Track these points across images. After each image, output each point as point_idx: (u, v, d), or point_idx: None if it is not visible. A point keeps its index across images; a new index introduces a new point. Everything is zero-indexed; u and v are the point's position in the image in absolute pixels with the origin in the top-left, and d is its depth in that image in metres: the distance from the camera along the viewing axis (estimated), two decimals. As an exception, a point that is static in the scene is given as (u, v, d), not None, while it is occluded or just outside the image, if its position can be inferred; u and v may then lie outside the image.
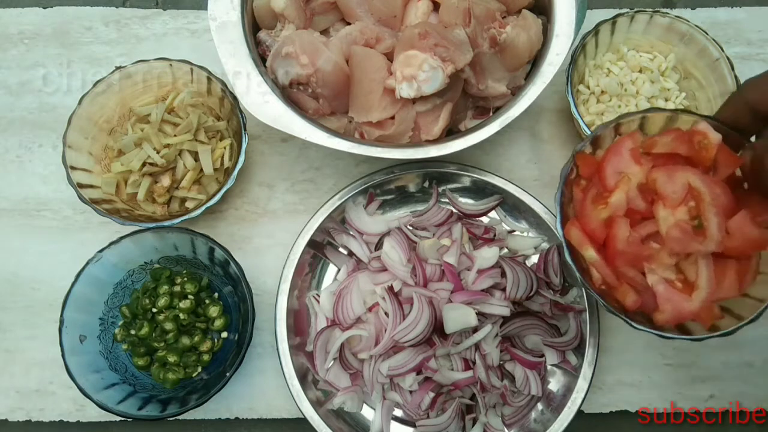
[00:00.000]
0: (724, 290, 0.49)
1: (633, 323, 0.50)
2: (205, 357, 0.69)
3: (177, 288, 0.70)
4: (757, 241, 0.47)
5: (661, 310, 0.49)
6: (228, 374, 0.62)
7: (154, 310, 0.69)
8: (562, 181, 0.53)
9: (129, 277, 0.71)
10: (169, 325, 0.68)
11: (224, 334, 0.70)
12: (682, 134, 0.51)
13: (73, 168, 0.69)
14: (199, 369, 0.69)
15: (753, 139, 0.51)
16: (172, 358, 0.68)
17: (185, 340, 0.69)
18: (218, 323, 0.69)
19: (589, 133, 0.69)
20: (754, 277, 0.50)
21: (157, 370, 0.68)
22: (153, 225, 0.68)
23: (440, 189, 0.74)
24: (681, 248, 0.48)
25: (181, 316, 0.69)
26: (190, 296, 0.70)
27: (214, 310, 0.70)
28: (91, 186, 0.70)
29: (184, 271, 0.72)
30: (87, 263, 0.66)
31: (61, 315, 0.64)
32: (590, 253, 0.51)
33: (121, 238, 0.66)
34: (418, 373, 0.65)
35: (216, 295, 0.72)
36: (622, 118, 0.53)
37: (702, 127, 0.50)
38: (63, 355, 0.63)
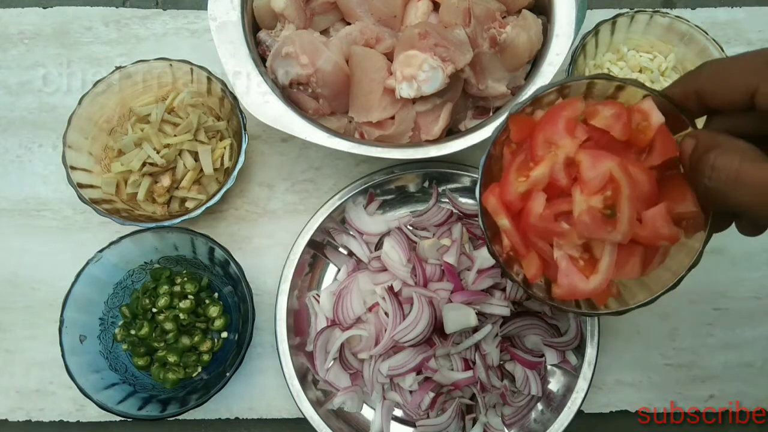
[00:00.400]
0: (625, 273, 0.48)
1: (527, 291, 0.51)
2: (205, 357, 0.69)
3: (177, 288, 0.70)
4: (666, 237, 0.46)
5: (559, 285, 0.48)
6: (228, 374, 0.62)
7: (154, 310, 0.69)
8: (491, 143, 0.51)
9: (129, 277, 0.71)
10: (169, 325, 0.68)
11: (224, 334, 0.70)
12: (622, 111, 0.48)
13: (73, 168, 0.69)
14: (199, 369, 0.69)
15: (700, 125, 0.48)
16: (172, 358, 0.68)
17: (185, 340, 0.69)
18: (218, 323, 0.69)
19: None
20: (660, 263, 0.49)
21: (157, 370, 0.68)
22: (153, 225, 0.68)
23: (440, 189, 0.74)
24: (588, 234, 0.47)
25: (181, 316, 0.69)
26: (190, 296, 0.70)
27: (214, 310, 0.70)
28: (91, 186, 0.70)
29: (184, 271, 0.72)
30: (87, 263, 0.66)
31: (61, 315, 0.64)
32: (504, 222, 0.50)
33: (121, 238, 0.66)
34: (418, 373, 0.65)
35: (216, 295, 0.72)
36: (568, 80, 0.51)
37: (646, 105, 0.47)
38: (63, 355, 0.63)
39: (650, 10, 0.74)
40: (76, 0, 0.86)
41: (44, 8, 0.86)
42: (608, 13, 0.76)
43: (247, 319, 0.64)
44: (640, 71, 0.75)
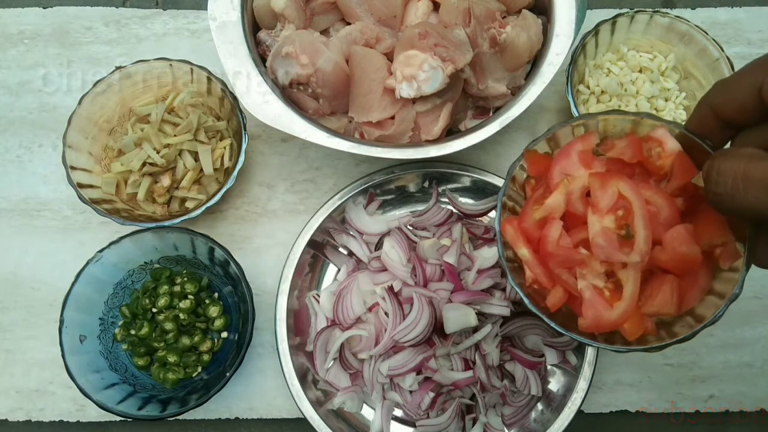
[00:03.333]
0: (657, 305, 0.47)
1: (552, 324, 0.49)
2: (205, 357, 0.69)
3: (177, 288, 0.70)
4: (687, 257, 0.45)
5: (584, 317, 0.47)
6: (228, 374, 0.62)
7: (154, 310, 0.69)
8: (507, 178, 0.52)
9: (129, 277, 0.71)
10: (169, 325, 0.68)
11: (224, 334, 0.70)
12: (635, 141, 0.49)
13: (73, 168, 0.69)
14: (199, 369, 0.69)
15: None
16: (172, 358, 0.68)
17: (185, 340, 0.69)
18: (218, 323, 0.69)
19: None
20: (701, 295, 0.47)
21: (157, 370, 0.68)
22: (153, 225, 0.68)
23: (440, 189, 0.74)
24: (606, 257, 0.46)
25: (181, 316, 0.69)
26: (190, 296, 0.70)
27: (214, 310, 0.70)
28: (91, 186, 0.70)
29: (184, 271, 0.72)
30: (87, 263, 0.66)
31: (61, 315, 0.64)
32: (524, 251, 0.50)
33: (121, 238, 0.66)
34: (418, 373, 0.65)
35: (216, 295, 0.72)
36: (581, 118, 0.51)
37: (659, 134, 0.48)
38: (63, 355, 0.63)
39: (650, 10, 0.74)
40: (76, 0, 0.86)
41: (44, 8, 0.86)
42: (608, 13, 0.76)
43: (247, 319, 0.65)
44: (640, 71, 0.75)
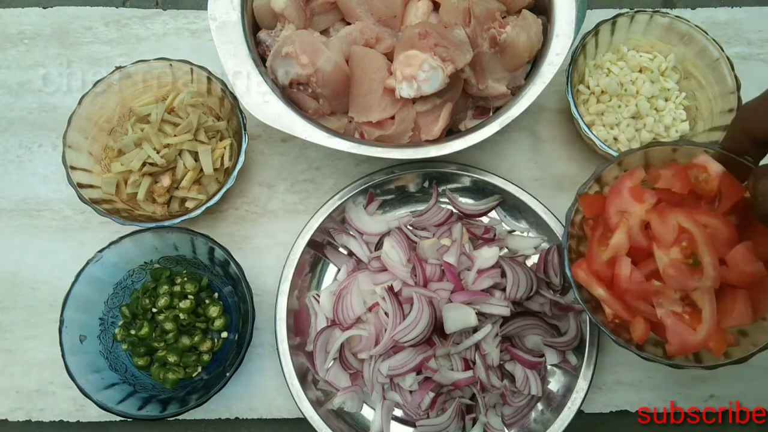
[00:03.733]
0: (734, 319, 0.50)
1: (642, 355, 0.53)
2: (205, 357, 0.69)
3: (177, 288, 0.70)
4: (753, 274, 0.48)
5: (670, 342, 0.51)
6: (228, 374, 0.62)
7: (154, 310, 0.69)
8: (567, 224, 0.56)
9: (129, 277, 0.71)
10: (169, 325, 0.68)
11: (224, 334, 0.70)
12: (681, 169, 0.52)
13: (73, 168, 0.69)
14: (199, 369, 0.69)
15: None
16: (172, 358, 0.68)
17: (185, 340, 0.69)
18: (218, 323, 0.70)
19: (589, 132, 0.69)
20: None
21: (157, 370, 0.68)
22: (153, 225, 0.68)
23: (440, 189, 0.74)
24: (679, 286, 0.50)
25: (181, 316, 0.69)
26: (190, 296, 0.70)
27: (214, 310, 0.70)
28: (91, 186, 0.70)
29: (184, 271, 0.72)
30: (87, 263, 0.66)
31: (61, 315, 0.64)
32: (599, 291, 0.53)
33: (121, 238, 0.66)
34: (418, 373, 0.65)
35: (216, 295, 0.72)
36: (623, 155, 0.55)
37: (701, 160, 0.51)
38: (63, 355, 0.63)
39: (650, 10, 0.74)
40: (76, 0, 0.86)
41: (44, 8, 0.86)
42: (608, 13, 0.76)
43: (247, 319, 0.65)
44: (640, 71, 0.75)
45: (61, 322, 0.64)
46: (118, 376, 0.67)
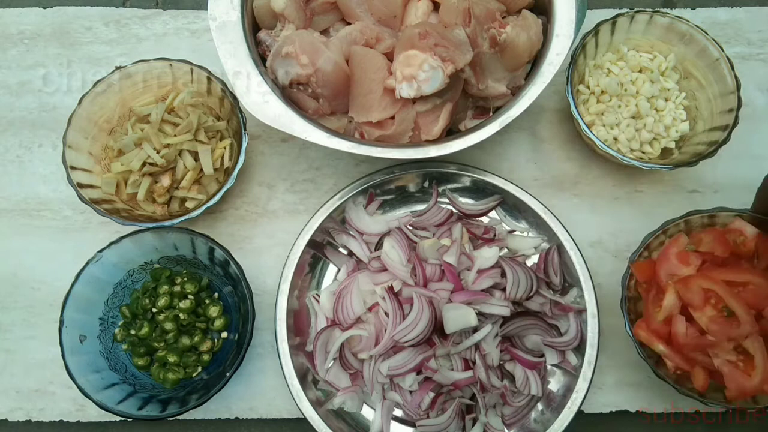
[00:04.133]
0: None
1: (706, 401, 0.60)
2: (205, 357, 0.69)
3: (177, 288, 0.70)
4: None
5: (728, 388, 0.57)
6: (228, 374, 0.62)
7: (154, 310, 0.69)
8: (624, 289, 0.63)
9: (129, 277, 0.71)
10: (169, 325, 0.68)
11: (224, 334, 0.70)
12: (719, 233, 0.61)
13: (73, 168, 0.69)
14: (199, 369, 0.69)
15: None
16: (172, 358, 0.68)
17: (185, 340, 0.69)
18: (218, 323, 0.69)
19: (589, 132, 0.69)
20: None
21: (157, 370, 0.68)
22: (153, 225, 0.68)
23: (440, 189, 0.74)
24: (725, 337, 0.56)
25: (181, 316, 0.69)
26: (190, 296, 0.70)
27: (214, 310, 0.70)
28: (91, 186, 0.70)
29: (184, 271, 0.72)
30: (87, 263, 0.66)
31: (61, 315, 0.64)
32: (660, 347, 0.60)
33: (121, 238, 0.66)
34: (418, 373, 0.65)
35: (216, 295, 0.72)
36: (667, 224, 0.63)
37: (737, 224, 0.61)
38: (63, 355, 0.63)
39: (650, 10, 0.74)
40: (76, 0, 0.86)
41: (44, 8, 0.86)
42: (608, 13, 0.76)
43: (247, 319, 0.65)
44: (640, 71, 0.75)
45: (61, 322, 0.64)
46: (118, 376, 0.67)
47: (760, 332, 0.57)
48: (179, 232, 0.67)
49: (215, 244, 0.66)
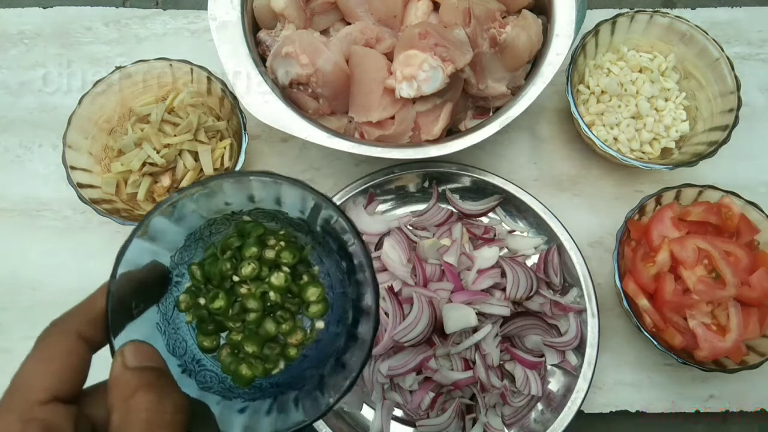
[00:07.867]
0: (749, 333, 0.61)
1: (679, 359, 0.62)
2: (292, 351, 0.45)
3: (270, 254, 0.45)
4: None
5: (701, 348, 0.61)
6: (331, 400, 0.38)
7: (236, 278, 0.44)
8: (618, 242, 0.65)
9: (208, 228, 0.45)
10: (252, 303, 0.44)
11: (320, 324, 0.45)
12: (711, 206, 0.65)
13: (73, 168, 0.69)
14: (281, 365, 0.45)
15: None
16: (250, 348, 0.43)
17: (269, 326, 0.44)
18: (314, 309, 0.45)
19: (589, 132, 0.69)
20: None
21: (228, 358, 0.44)
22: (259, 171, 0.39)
23: (440, 189, 0.74)
24: (709, 297, 0.61)
25: (272, 295, 0.44)
26: (286, 269, 0.45)
27: (313, 293, 0.45)
28: (91, 186, 0.70)
29: (282, 232, 0.46)
30: (154, 209, 0.38)
31: (113, 273, 0.39)
32: (644, 302, 0.63)
33: (212, 179, 0.40)
34: (418, 373, 0.65)
35: (317, 269, 0.47)
36: (662, 191, 0.67)
37: (727, 201, 0.65)
38: (109, 326, 0.40)
39: (650, 10, 0.74)
40: (76, 0, 0.86)
41: (44, 8, 0.86)
42: (608, 13, 0.76)
43: (369, 316, 0.40)
44: (640, 71, 0.75)
45: (112, 277, 0.39)
46: (176, 361, 0.42)
47: (738, 299, 0.62)
48: (292, 184, 0.40)
49: (343, 217, 0.40)
